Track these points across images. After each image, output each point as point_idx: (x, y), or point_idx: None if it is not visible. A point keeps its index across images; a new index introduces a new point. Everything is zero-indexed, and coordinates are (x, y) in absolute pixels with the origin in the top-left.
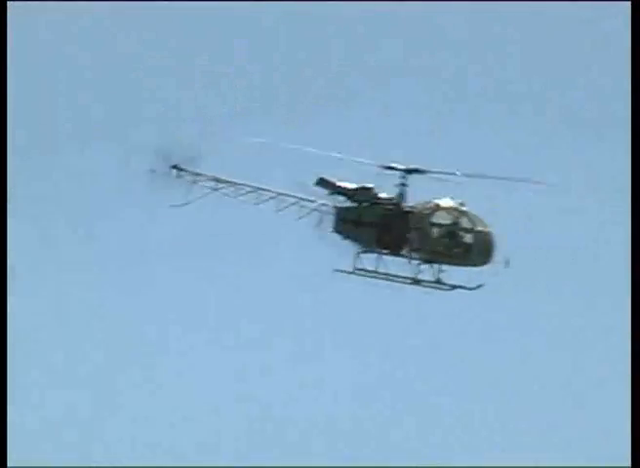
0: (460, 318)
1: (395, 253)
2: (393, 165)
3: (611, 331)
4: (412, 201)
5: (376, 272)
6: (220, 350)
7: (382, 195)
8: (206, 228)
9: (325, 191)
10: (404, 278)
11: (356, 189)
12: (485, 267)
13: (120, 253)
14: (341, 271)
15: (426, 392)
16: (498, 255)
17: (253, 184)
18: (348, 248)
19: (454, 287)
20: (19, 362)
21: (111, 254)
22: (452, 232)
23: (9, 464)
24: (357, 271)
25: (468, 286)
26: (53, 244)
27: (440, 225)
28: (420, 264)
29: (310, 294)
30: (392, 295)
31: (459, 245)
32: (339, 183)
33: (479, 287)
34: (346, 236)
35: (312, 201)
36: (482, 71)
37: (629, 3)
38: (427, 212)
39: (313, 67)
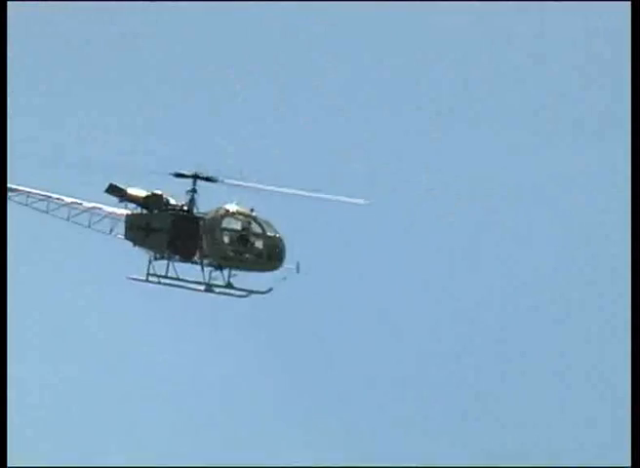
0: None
1: (187, 259)
2: (183, 172)
3: (611, 331)
4: (204, 208)
5: (169, 278)
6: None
7: (173, 202)
8: None
9: (115, 198)
10: (198, 284)
11: (146, 196)
12: (276, 271)
13: None
14: (135, 279)
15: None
16: (288, 260)
17: (41, 193)
18: (141, 255)
19: (248, 291)
20: (19, 360)
21: None
22: (242, 237)
23: (9, 464)
24: (151, 278)
25: (261, 290)
26: None
27: (230, 230)
28: (212, 271)
29: (104, 302)
30: (186, 301)
31: (249, 250)
32: (129, 190)
33: (270, 290)
34: (138, 243)
35: (102, 209)
36: (481, 71)
37: (629, 3)
38: (217, 217)
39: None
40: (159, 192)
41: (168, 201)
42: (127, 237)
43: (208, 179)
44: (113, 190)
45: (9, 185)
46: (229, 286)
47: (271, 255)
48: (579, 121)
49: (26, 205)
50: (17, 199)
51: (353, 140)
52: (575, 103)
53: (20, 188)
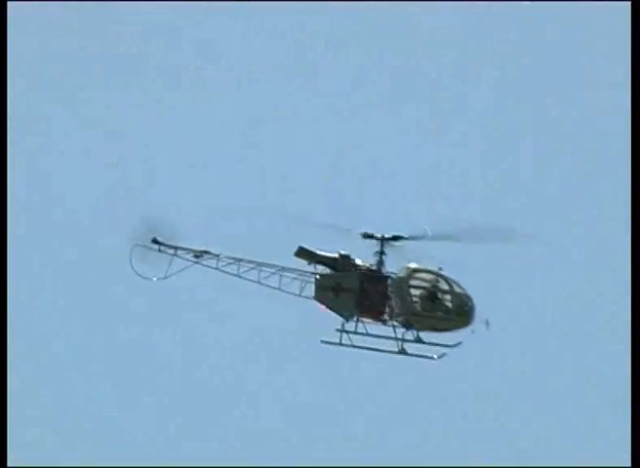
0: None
1: (376, 318)
2: (372, 233)
3: (611, 331)
4: (390, 268)
5: (360, 345)
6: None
7: (360, 263)
8: (185, 300)
9: (304, 261)
10: (390, 349)
11: (335, 257)
12: (465, 329)
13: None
14: (328, 343)
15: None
16: (477, 317)
17: (232, 255)
18: (332, 317)
19: (440, 351)
20: (19, 361)
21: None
22: (431, 294)
23: (9, 464)
24: (344, 342)
25: (450, 344)
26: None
27: (419, 287)
28: (403, 332)
29: (298, 365)
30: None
31: (438, 307)
32: (318, 252)
33: (459, 344)
34: (328, 304)
35: (293, 270)
36: (479, 72)
37: (629, 3)
38: (405, 275)
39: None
40: (347, 253)
41: (355, 262)
42: (317, 298)
43: (395, 239)
44: (303, 253)
45: (197, 248)
46: (419, 341)
47: (460, 312)
48: (579, 121)
49: (216, 268)
50: (206, 263)
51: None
52: (574, 103)
53: (211, 251)
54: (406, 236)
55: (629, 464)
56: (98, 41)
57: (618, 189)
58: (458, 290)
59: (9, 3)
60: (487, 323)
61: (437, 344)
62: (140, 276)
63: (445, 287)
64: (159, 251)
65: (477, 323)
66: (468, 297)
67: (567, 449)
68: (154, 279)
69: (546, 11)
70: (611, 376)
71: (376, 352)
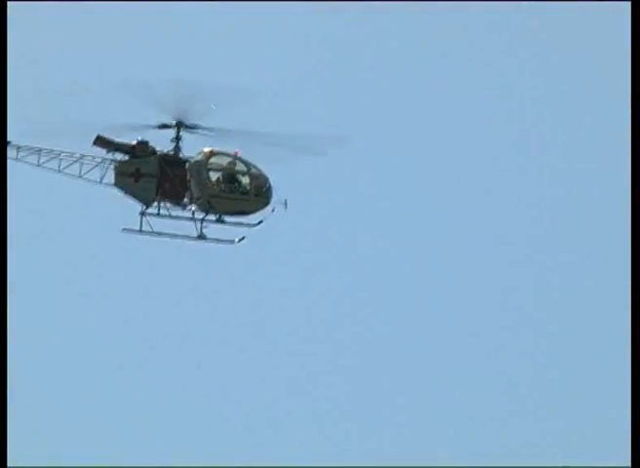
0: None
1: (176, 202)
2: (166, 122)
3: (611, 330)
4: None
5: (160, 231)
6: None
7: (158, 150)
8: None
9: (102, 149)
10: (189, 234)
11: (133, 144)
12: (264, 210)
13: None
14: (129, 230)
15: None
16: (275, 198)
17: (32, 146)
18: (132, 204)
19: (241, 229)
20: (19, 361)
21: None
22: (229, 176)
23: (9, 464)
24: (144, 229)
25: (251, 223)
26: None
27: (217, 170)
28: (202, 218)
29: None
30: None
31: (236, 188)
32: (116, 140)
33: (260, 222)
34: (128, 190)
35: (93, 158)
36: (480, 71)
37: (629, 3)
38: (203, 158)
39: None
40: (146, 140)
41: (154, 149)
42: (117, 184)
43: (190, 127)
44: (101, 142)
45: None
46: (221, 221)
47: (259, 193)
48: (578, 121)
49: (17, 159)
50: (8, 154)
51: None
52: (574, 104)
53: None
54: (202, 125)
55: (629, 464)
56: (98, 41)
57: (618, 189)
58: (255, 171)
59: (9, 3)
60: (285, 203)
61: (238, 224)
62: None
63: (242, 168)
64: None
65: (276, 203)
66: (266, 178)
67: (567, 449)
68: None
69: (546, 11)
70: (611, 376)
71: (175, 238)
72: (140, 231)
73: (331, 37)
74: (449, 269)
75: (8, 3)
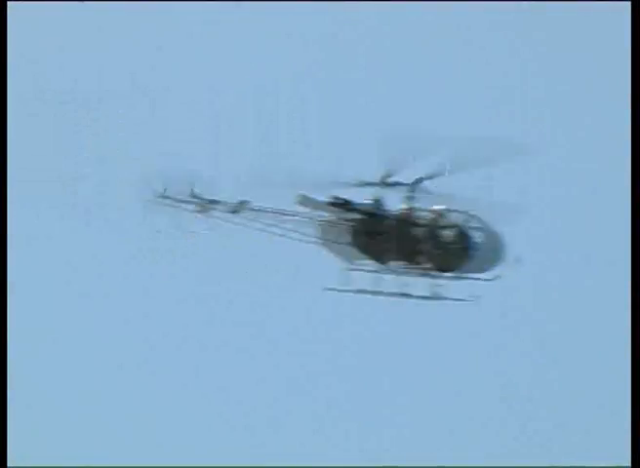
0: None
1: (411, 261)
2: (399, 180)
3: (611, 330)
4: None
5: (394, 291)
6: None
7: (391, 208)
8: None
9: (335, 208)
10: (423, 294)
11: (369, 203)
12: (497, 267)
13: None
14: (357, 291)
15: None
16: (507, 254)
17: (265, 207)
18: (366, 263)
19: (473, 295)
20: (19, 361)
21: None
22: (463, 233)
23: (9, 464)
24: (376, 290)
25: (488, 278)
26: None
27: (451, 228)
28: (435, 277)
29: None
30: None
31: (472, 245)
32: (350, 199)
33: (497, 277)
34: (363, 249)
35: (329, 217)
36: (480, 71)
37: (629, 3)
38: (437, 216)
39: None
40: (379, 198)
41: (387, 208)
42: (353, 244)
43: (417, 182)
44: (337, 203)
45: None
46: (457, 278)
47: (493, 251)
48: (578, 121)
49: (254, 220)
50: (245, 215)
51: None
52: (574, 104)
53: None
54: (426, 177)
55: (629, 464)
56: (97, 41)
57: (618, 189)
58: (489, 229)
59: (9, 3)
60: (518, 259)
61: (476, 279)
62: (159, 230)
63: (476, 225)
64: (183, 202)
65: (509, 260)
66: (500, 236)
67: (567, 449)
68: (186, 230)
69: (546, 11)
70: (611, 376)
71: (409, 299)
72: (376, 292)
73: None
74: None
75: (8, 3)
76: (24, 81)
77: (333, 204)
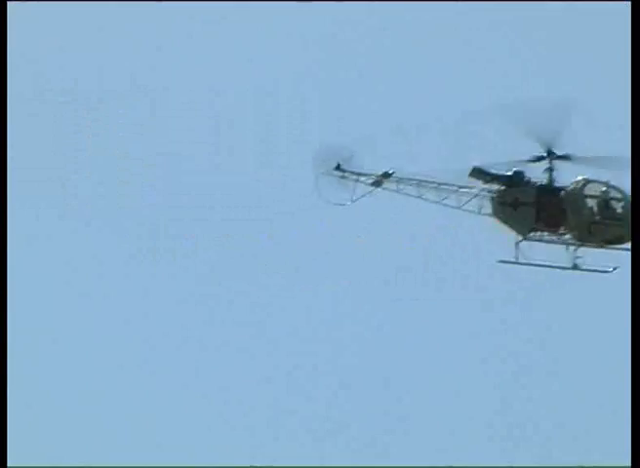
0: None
1: (554, 230)
2: (539, 155)
3: (611, 330)
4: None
5: (535, 262)
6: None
7: (533, 180)
8: (370, 225)
9: (478, 180)
10: (565, 265)
11: (510, 175)
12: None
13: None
14: (505, 262)
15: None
16: None
17: (413, 178)
18: (507, 235)
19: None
20: (18, 361)
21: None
22: (606, 202)
23: (9, 464)
24: (520, 261)
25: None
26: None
27: (593, 197)
28: (576, 247)
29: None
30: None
31: (614, 214)
32: (493, 171)
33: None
34: (506, 219)
35: (471, 188)
36: (479, 72)
37: (629, 3)
38: (578, 187)
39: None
40: (521, 170)
41: (529, 178)
42: (495, 214)
43: (561, 158)
44: (478, 173)
45: (380, 172)
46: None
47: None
48: (578, 121)
49: (397, 191)
50: (387, 187)
51: None
52: (574, 104)
53: (391, 172)
54: (571, 155)
55: (629, 464)
56: (97, 41)
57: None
58: (630, 197)
59: (9, 3)
60: None
61: (617, 249)
62: (329, 202)
63: (617, 195)
64: (342, 177)
65: None
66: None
67: (567, 449)
68: (347, 203)
69: (546, 11)
70: (611, 375)
71: (550, 268)
72: (517, 262)
73: None
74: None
75: (8, 3)
76: (24, 81)
77: (472, 174)
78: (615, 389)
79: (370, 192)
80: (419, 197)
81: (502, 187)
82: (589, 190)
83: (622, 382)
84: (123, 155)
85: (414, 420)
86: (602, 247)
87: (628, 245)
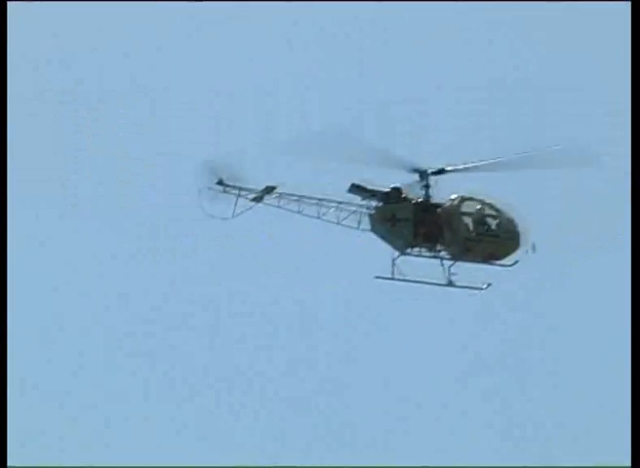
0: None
1: (430, 247)
2: (418, 167)
3: (612, 329)
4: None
5: (411, 279)
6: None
7: (411, 196)
8: (252, 240)
9: (357, 196)
10: (439, 281)
11: (388, 191)
12: (515, 253)
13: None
14: (382, 277)
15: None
16: (524, 241)
17: (293, 192)
18: (386, 249)
19: (486, 283)
20: (18, 361)
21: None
22: (481, 219)
23: (9, 464)
24: (396, 277)
25: (507, 264)
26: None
27: (468, 215)
28: (452, 263)
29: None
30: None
31: (489, 232)
32: (370, 187)
33: (516, 263)
34: (384, 235)
35: (350, 204)
36: (479, 72)
37: (629, 3)
38: (455, 204)
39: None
40: (399, 185)
41: (407, 195)
42: (374, 229)
43: (436, 173)
44: (356, 189)
45: (263, 187)
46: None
47: (510, 236)
48: (578, 122)
49: (278, 206)
50: (268, 202)
51: None
52: (574, 104)
53: (274, 186)
54: (448, 168)
55: (629, 464)
56: (97, 41)
57: (618, 189)
58: (506, 215)
59: (9, 3)
60: (533, 247)
61: (493, 265)
62: (210, 216)
63: (493, 212)
64: (224, 192)
65: (525, 247)
66: (516, 221)
67: (567, 449)
68: (229, 217)
69: (546, 11)
70: (611, 376)
71: (425, 284)
72: (393, 277)
73: None
74: None
75: (8, 3)
76: (24, 81)
77: (355, 189)
78: (615, 389)
79: (251, 207)
80: (299, 212)
81: (380, 203)
82: (465, 207)
83: (622, 382)
84: (123, 155)
85: (414, 420)
86: (478, 263)
87: (504, 261)
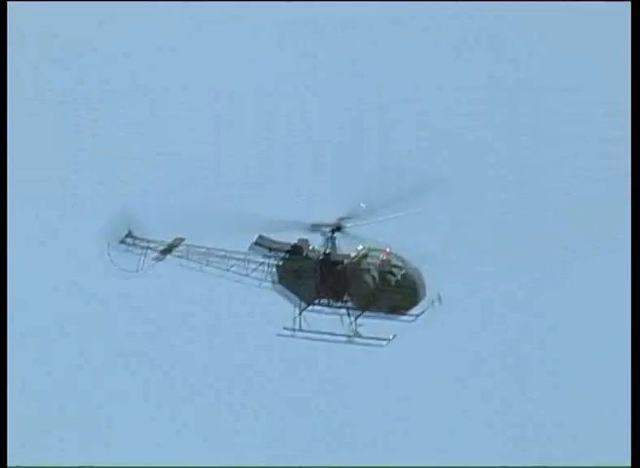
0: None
1: (335, 299)
2: (318, 224)
3: (612, 329)
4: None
5: (314, 336)
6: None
7: (316, 248)
8: (160, 293)
9: (264, 249)
10: (343, 335)
11: (294, 244)
12: (421, 304)
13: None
14: (288, 329)
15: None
16: (430, 293)
17: (200, 245)
18: (291, 302)
19: (391, 335)
20: (19, 361)
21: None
22: (385, 273)
23: (9, 464)
24: (297, 334)
25: (412, 314)
26: None
27: (373, 268)
28: (357, 316)
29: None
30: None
31: (393, 284)
32: (276, 240)
33: (421, 314)
34: (290, 288)
35: (256, 257)
36: (479, 72)
37: (629, 3)
38: (359, 257)
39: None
40: (305, 239)
41: (312, 247)
42: (280, 282)
43: (335, 230)
44: (262, 242)
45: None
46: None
47: (414, 288)
48: (577, 121)
49: (186, 258)
50: (177, 253)
51: None
52: (574, 104)
53: (182, 238)
54: (346, 221)
55: (629, 464)
56: (97, 41)
57: (618, 190)
58: (409, 268)
59: (9, 3)
60: (439, 298)
61: (398, 318)
62: (119, 270)
63: (397, 264)
64: (133, 245)
65: (431, 298)
66: (420, 274)
67: (567, 449)
68: (136, 271)
69: (546, 11)
70: (611, 376)
71: (329, 337)
72: (300, 329)
73: None
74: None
75: (8, 3)
76: (24, 81)
77: (260, 242)
78: (615, 389)
79: (160, 259)
80: (207, 265)
81: (286, 256)
82: (370, 259)
83: (622, 382)
84: (123, 155)
85: (414, 421)
86: (383, 314)
87: (411, 311)
